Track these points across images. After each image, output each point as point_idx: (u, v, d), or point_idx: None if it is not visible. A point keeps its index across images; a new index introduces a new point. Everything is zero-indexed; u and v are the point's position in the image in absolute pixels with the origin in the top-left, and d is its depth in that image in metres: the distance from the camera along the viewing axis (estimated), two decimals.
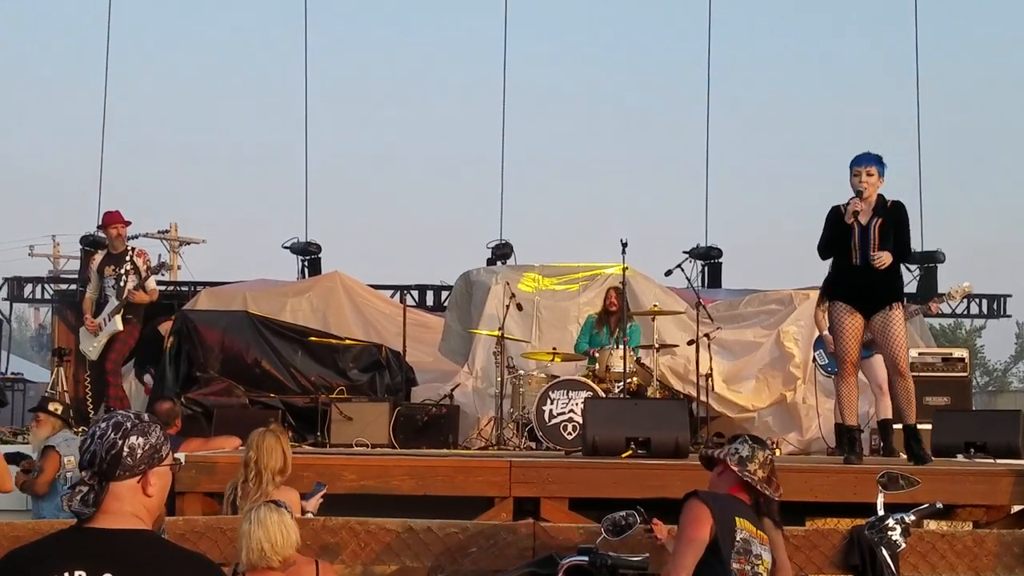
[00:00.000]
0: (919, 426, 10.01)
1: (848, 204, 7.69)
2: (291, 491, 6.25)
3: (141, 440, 2.98)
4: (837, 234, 7.75)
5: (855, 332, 7.79)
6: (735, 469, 4.79)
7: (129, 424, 2.99)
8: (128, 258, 10.84)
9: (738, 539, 4.62)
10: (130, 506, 2.96)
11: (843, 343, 7.82)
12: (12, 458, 8.67)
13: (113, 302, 10.77)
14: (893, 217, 7.74)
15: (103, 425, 2.99)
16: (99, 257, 11.21)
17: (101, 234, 11.21)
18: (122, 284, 10.74)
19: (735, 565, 4.58)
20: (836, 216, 7.77)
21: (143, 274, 10.77)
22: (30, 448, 8.97)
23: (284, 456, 6.23)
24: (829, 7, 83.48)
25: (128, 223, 11.15)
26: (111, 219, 11.10)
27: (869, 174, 7.69)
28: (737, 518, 4.67)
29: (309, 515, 6.44)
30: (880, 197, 7.78)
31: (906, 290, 16.28)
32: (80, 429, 9.52)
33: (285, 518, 5.14)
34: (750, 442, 4.91)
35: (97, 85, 18.01)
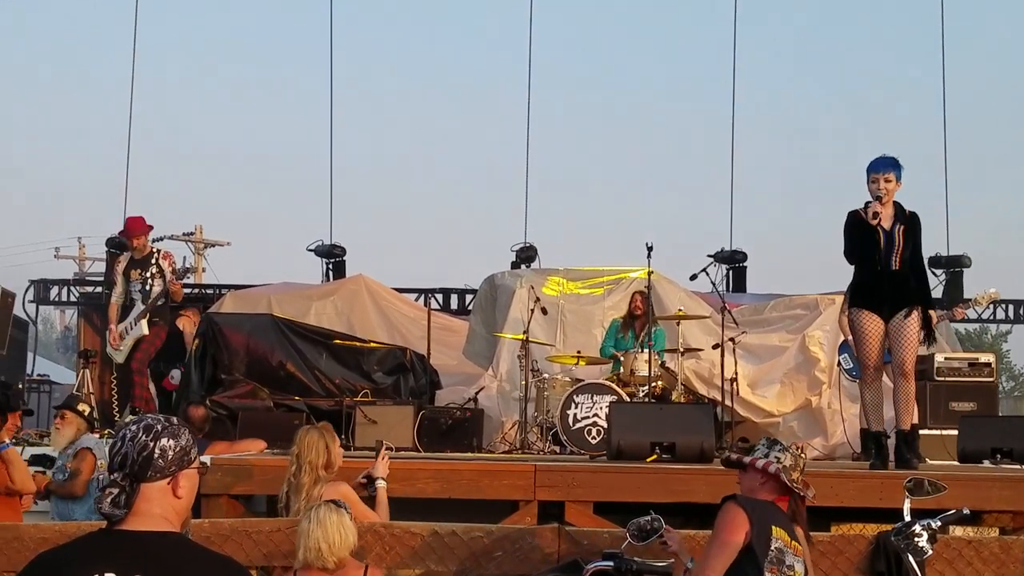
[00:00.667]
0: (944, 432, 10.05)
1: (867, 207, 7.68)
2: (342, 485, 6.32)
3: (172, 442, 3.03)
4: (861, 239, 7.74)
5: (877, 337, 7.79)
6: (785, 480, 4.78)
7: (160, 427, 3.04)
8: (154, 260, 10.85)
9: (772, 548, 4.60)
10: (159, 508, 3.00)
11: (865, 348, 7.82)
12: (39, 460, 8.70)
13: (139, 306, 10.79)
14: (912, 226, 7.75)
15: (133, 428, 3.03)
16: (124, 260, 11.21)
17: (131, 241, 11.18)
18: (148, 288, 10.76)
19: (767, 574, 4.57)
20: (857, 221, 7.76)
21: (168, 277, 10.78)
22: (51, 449, 8.93)
23: (328, 451, 6.31)
24: (856, 9, 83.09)
25: (150, 228, 11.14)
26: (134, 230, 11.02)
27: (887, 180, 7.69)
28: (774, 527, 4.65)
29: (381, 481, 6.57)
30: (898, 204, 7.78)
31: (933, 296, 16.41)
32: (105, 432, 9.56)
33: (344, 519, 5.22)
34: (791, 450, 4.90)
35: (123, 88, 18.10)
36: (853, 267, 7.94)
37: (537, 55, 19.51)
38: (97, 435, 8.79)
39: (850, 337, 9.42)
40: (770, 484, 4.80)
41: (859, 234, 7.74)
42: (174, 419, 3.13)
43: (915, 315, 7.76)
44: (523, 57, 18.64)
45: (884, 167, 7.71)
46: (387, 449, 6.87)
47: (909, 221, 7.76)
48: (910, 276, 7.81)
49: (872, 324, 7.76)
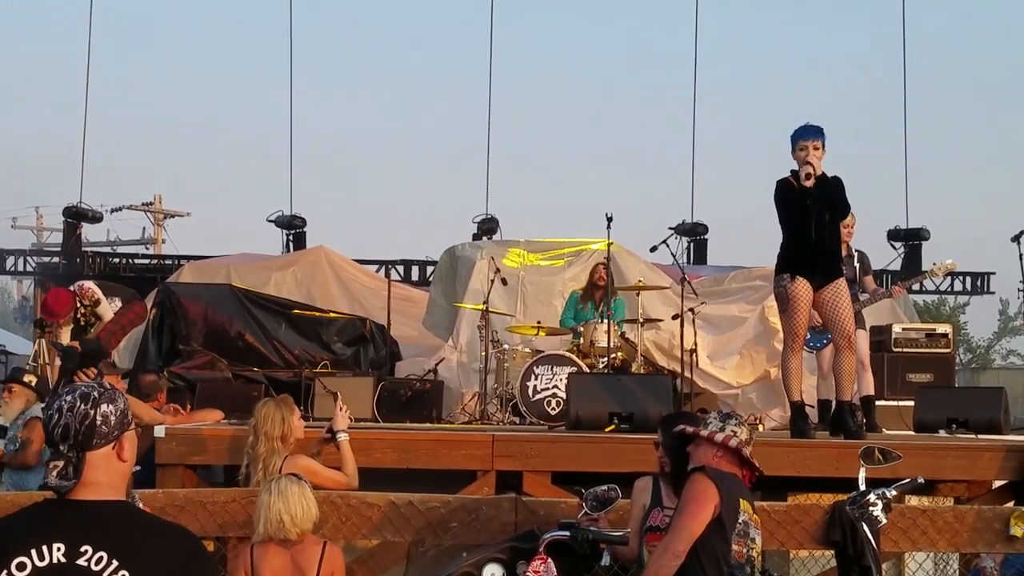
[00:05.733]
0: (901, 402, 10.11)
1: (801, 173, 7.58)
2: (300, 458, 6.34)
3: (111, 407, 3.00)
4: (793, 207, 7.68)
5: (808, 304, 7.76)
6: (745, 454, 4.78)
7: (96, 393, 3.01)
8: (79, 305, 10.59)
9: (740, 521, 4.62)
10: (106, 475, 2.97)
11: (799, 315, 7.74)
12: None
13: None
14: (836, 190, 7.71)
15: (69, 398, 2.98)
16: (62, 328, 10.90)
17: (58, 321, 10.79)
18: (85, 325, 10.61)
19: (734, 546, 4.58)
20: (787, 190, 7.69)
21: (93, 307, 10.56)
22: (2, 420, 8.86)
23: (284, 423, 6.31)
24: None
25: (74, 298, 10.74)
26: (59, 309, 10.49)
27: (816, 147, 7.62)
28: (741, 500, 4.66)
29: (342, 434, 6.62)
30: (823, 173, 7.73)
31: (890, 267, 16.53)
32: None
33: (306, 491, 5.21)
34: (746, 424, 4.91)
35: (81, 56, 17.93)
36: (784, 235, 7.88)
37: (499, 27, 19.47)
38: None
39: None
40: (727, 457, 4.80)
41: (791, 203, 7.68)
42: (106, 383, 3.10)
43: (844, 283, 7.80)
44: (485, 28, 18.62)
45: (813, 134, 7.61)
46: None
47: (835, 190, 7.72)
48: (838, 246, 7.87)
49: (806, 291, 7.71)
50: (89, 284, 10.85)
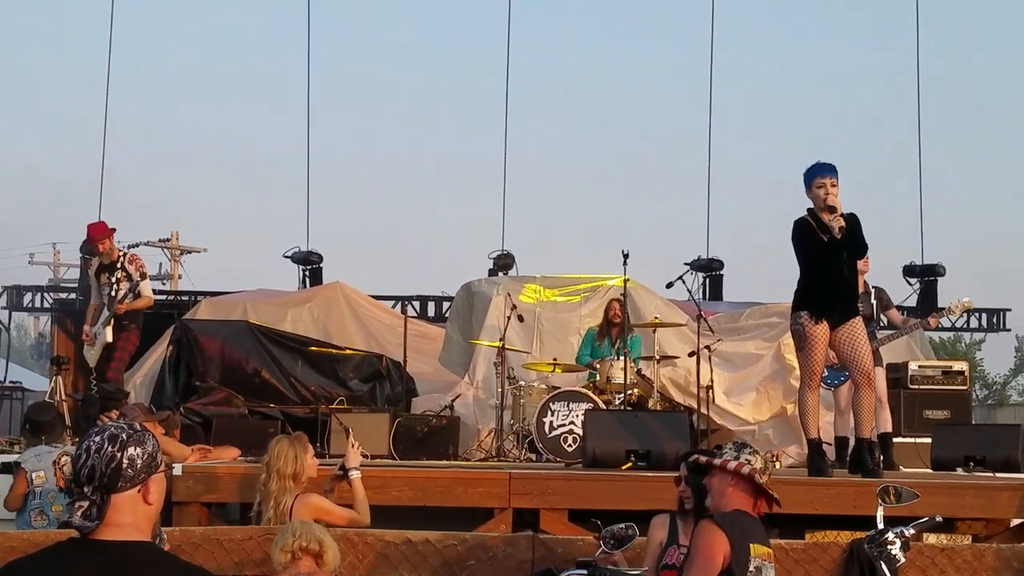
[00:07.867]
0: (918, 440, 10.08)
1: (831, 219, 7.58)
2: (312, 496, 6.37)
3: (139, 450, 2.98)
4: (814, 248, 7.69)
5: (825, 343, 7.77)
6: (756, 478, 4.76)
7: (124, 435, 2.99)
8: (120, 264, 10.67)
9: (751, 568, 4.58)
10: (131, 517, 2.96)
11: (816, 354, 7.77)
12: (7, 468, 8.62)
13: (106, 312, 10.64)
14: (854, 227, 7.71)
15: (98, 439, 2.97)
16: (95, 264, 11.06)
17: (96, 247, 10.91)
18: (113, 293, 10.58)
19: None
20: (808, 230, 7.70)
21: (135, 280, 10.58)
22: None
23: (297, 461, 6.32)
24: (834, 17, 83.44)
25: (112, 231, 10.94)
26: (95, 235, 10.82)
27: (833, 184, 7.64)
28: (752, 545, 4.62)
29: (355, 472, 6.59)
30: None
31: (906, 304, 16.49)
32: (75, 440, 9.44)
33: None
34: (760, 453, 4.89)
35: (99, 91, 18.03)
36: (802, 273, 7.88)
37: (515, 63, 19.58)
38: (59, 444, 8.56)
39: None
40: (741, 486, 4.78)
41: (810, 243, 7.70)
42: (137, 425, 3.08)
43: (862, 322, 7.81)
44: (501, 65, 18.69)
45: (829, 171, 7.64)
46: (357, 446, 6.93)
47: (853, 228, 7.73)
48: (856, 284, 7.89)
49: (823, 329, 7.73)
50: (142, 258, 11.00)
